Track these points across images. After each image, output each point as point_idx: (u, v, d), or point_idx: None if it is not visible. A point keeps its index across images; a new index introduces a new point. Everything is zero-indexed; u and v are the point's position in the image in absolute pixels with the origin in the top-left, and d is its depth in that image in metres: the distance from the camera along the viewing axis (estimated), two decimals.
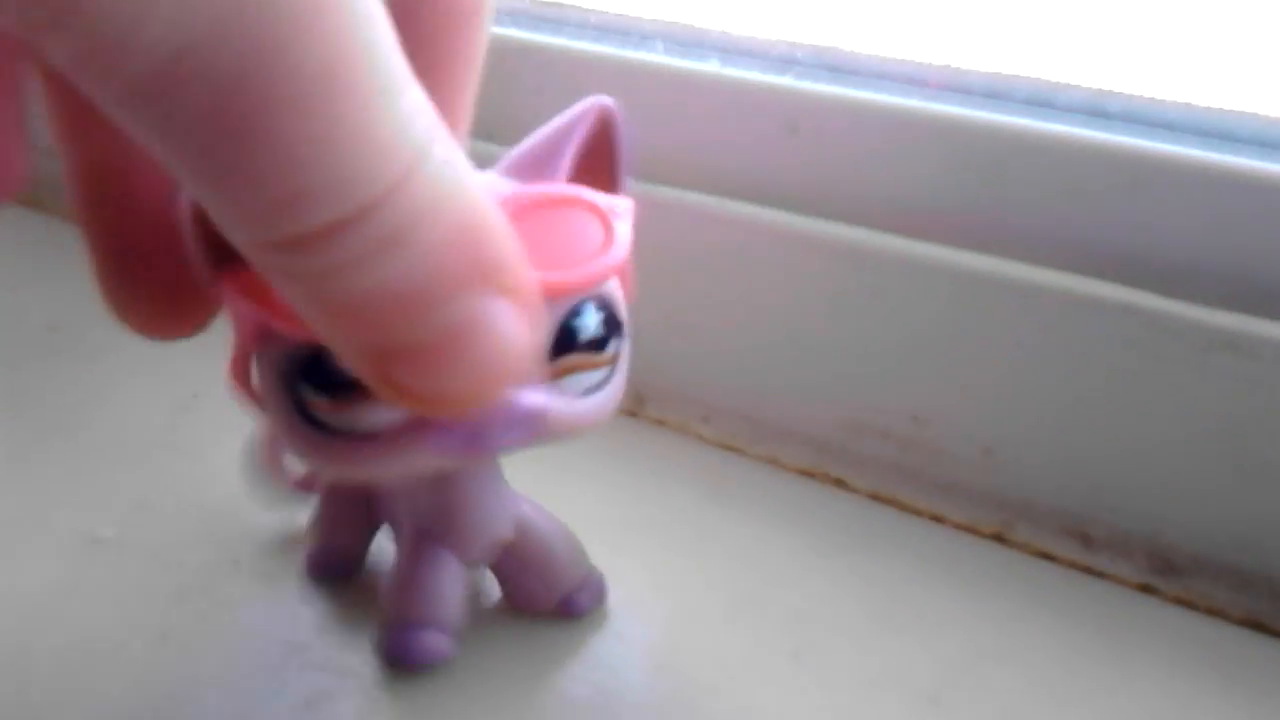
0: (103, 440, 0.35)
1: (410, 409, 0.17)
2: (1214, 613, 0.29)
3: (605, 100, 0.23)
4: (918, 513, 0.33)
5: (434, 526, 0.26)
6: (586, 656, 0.27)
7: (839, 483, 0.34)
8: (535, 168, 0.22)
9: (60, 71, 0.13)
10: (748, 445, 0.35)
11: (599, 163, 0.23)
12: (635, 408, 0.36)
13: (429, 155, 0.15)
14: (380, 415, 0.20)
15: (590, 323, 0.21)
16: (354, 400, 0.20)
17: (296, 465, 0.29)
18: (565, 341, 0.21)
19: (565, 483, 0.29)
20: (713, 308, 0.35)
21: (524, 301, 0.16)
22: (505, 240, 0.16)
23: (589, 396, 0.22)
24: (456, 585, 0.27)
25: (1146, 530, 0.30)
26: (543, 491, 0.28)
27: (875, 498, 0.33)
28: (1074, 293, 0.30)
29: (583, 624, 0.28)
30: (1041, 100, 0.32)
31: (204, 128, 0.13)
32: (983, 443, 0.32)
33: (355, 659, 0.27)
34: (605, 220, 0.21)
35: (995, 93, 0.32)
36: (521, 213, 0.20)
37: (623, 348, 0.23)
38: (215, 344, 0.40)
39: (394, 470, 0.21)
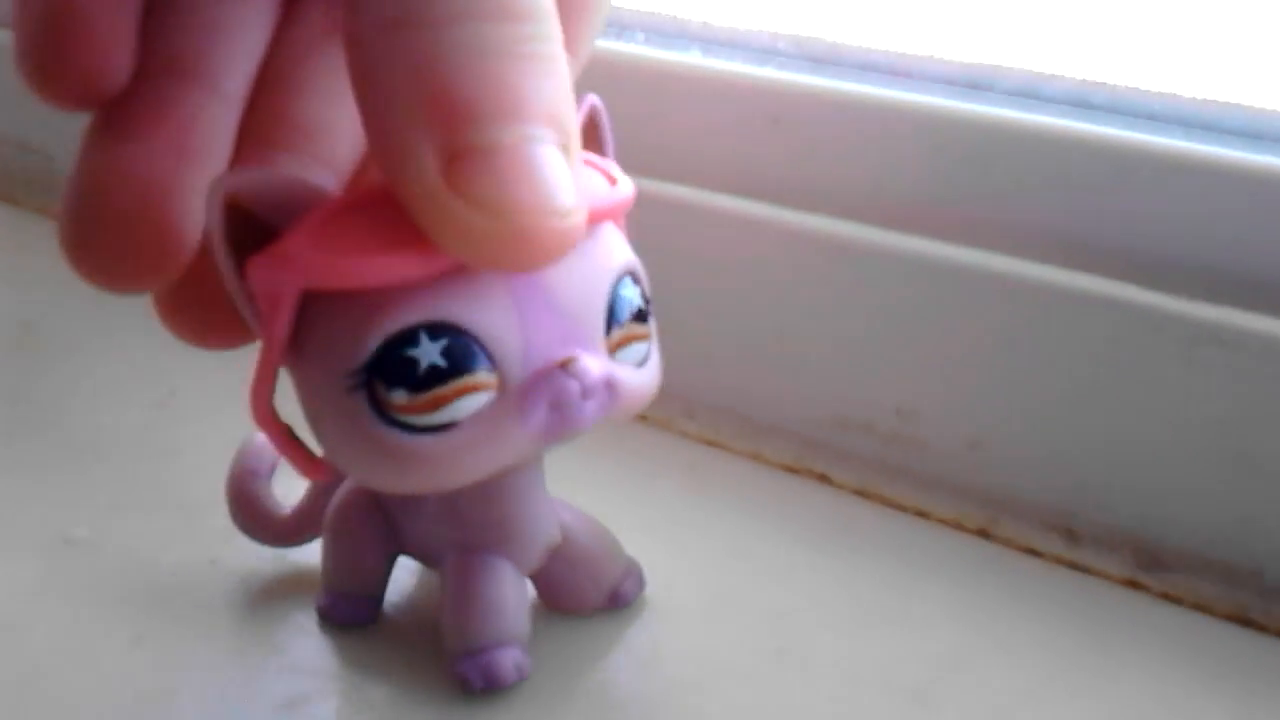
0: (77, 438, 0.35)
1: (466, 237, 0.17)
2: (1200, 608, 0.29)
3: (593, 98, 0.23)
4: (902, 508, 0.33)
5: (485, 539, 0.25)
6: (569, 655, 0.27)
7: (823, 478, 0.34)
8: None
9: None
10: (731, 441, 0.35)
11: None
12: None
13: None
14: (467, 403, 0.20)
15: (633, 294, 0.22)
16: (438, 391, 0.20)
17: (277, 508, 0.29)
18: (617, 312, 0.21)
19: (548, 480, 0.28)
20: (694, 302, 0.34)
21: (578, 169, 0.18)
22: (574, 117, 0.18)
23: (641, 369, 0.22)
24: (521, 595, 0.26)
25: (1132, 525, 0.30)
26: None
27: (860, 493, 0.33)
28: (1059, 286, 0.29)
29: (561, 621, 0.28)
30: (1026, 91, 0.32)
31: None
32: (968, 437, 0.32)
33: (334, 661, 0.27)
34: (603, 171, 0.22)
35: (979, 84, 0.32)
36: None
37: (653, 324, 0.23)
38: None
39: (486, 464, 0.20)
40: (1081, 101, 0.31)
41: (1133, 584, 0.30)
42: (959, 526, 0.32)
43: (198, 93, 0.21)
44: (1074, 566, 0.31)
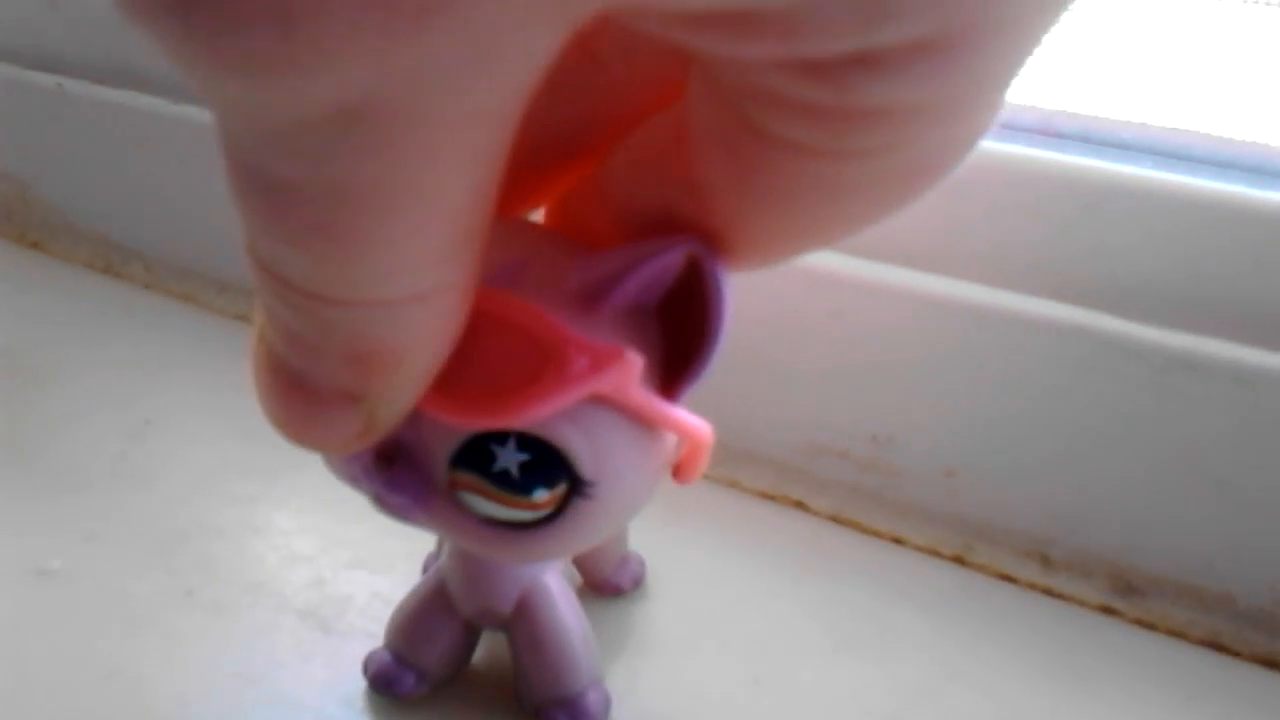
0: (51, 468, 0.34)
1: None
2: (1174, 633, 0.29)
3: (693, 244, 0.19)
4: (878, 535, 0.33)
5: (446, 573, 0.26)
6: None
7: (799, 505, 0.34)
8: (597, 291, 0.19)
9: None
10: (707, 468, 0.35)
11: (689, 318, 0.20)
12: None
13: (426, 302, 0.16)
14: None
15: (504, 456, 0.19)
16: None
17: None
18: (467, 458, 0.19)
19: None
20: None
21: (370, 430, 0.18)
22: (396, 387, 0.17)
23: (489, 526, 0.20)
24: (447, 634, 0.26)
25: (1107, 552, 0.30)
26: None
27: (836, 520, 0.33)
28: (1031, 314, 0.30)
29: None
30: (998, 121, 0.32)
31: None
32: (943, 464, 0.32)
33: (310, 692, 0.26)
34: (551, 354, 0.18)
35: None
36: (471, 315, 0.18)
37: (579, 505, 0.20)
38: (166, 371, 0.40)
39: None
40: (1051, 130, 0.31)
41: (1108, 610, 0.30)
42: (935, 553, 0.32)
43: None
44: (1049, 593, 0.31)
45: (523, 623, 0.25)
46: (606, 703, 0.26)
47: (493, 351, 0.18)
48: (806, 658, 0.28)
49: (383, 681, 0.26)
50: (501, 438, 0.19)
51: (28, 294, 0.45)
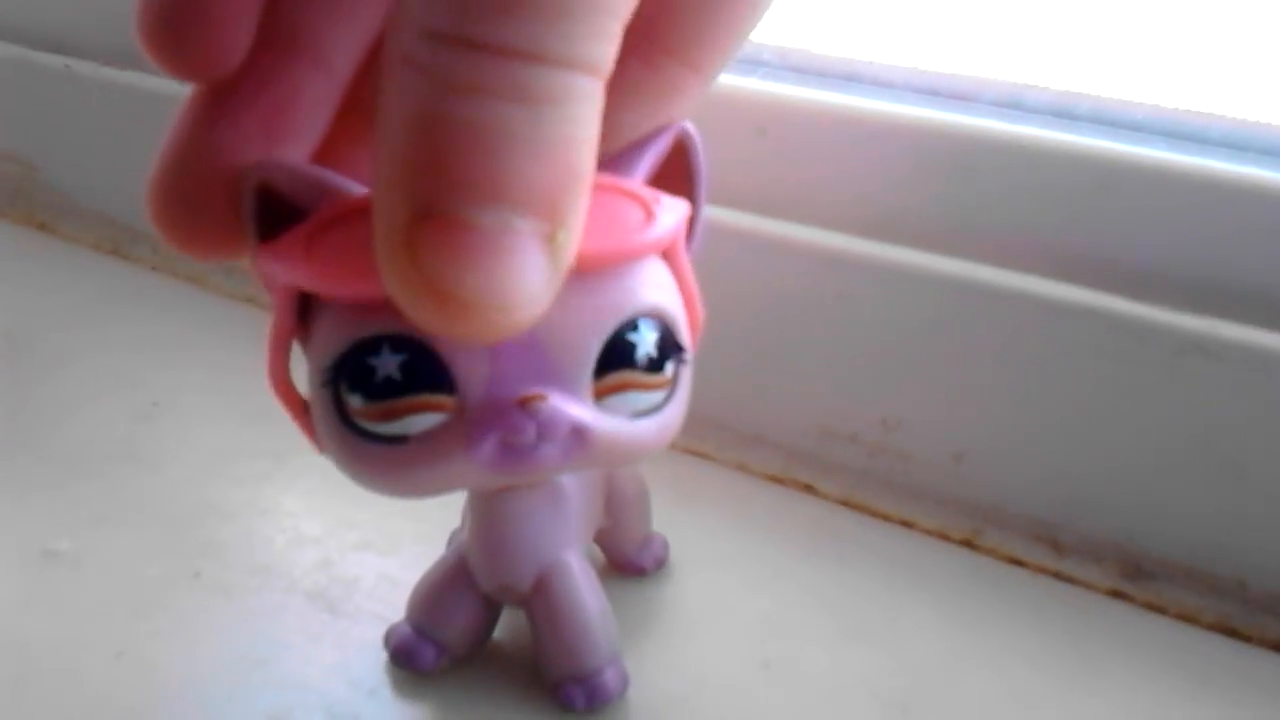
0: (58, 450, 0.34)
1: (416, 313, 0.17)
2: (1184, 618, 0.29)
3: (685, 126, 0.22)
4: (888, 519, 0.33)
5: (465, 547, 0.26)
6: None
7: (809, 489, 0.34)
8: (625, 166, 0.22)
9: None
10: (716, 451, 0.35)
11: (672, 188, 0.22)
12: None
13: (596, 73, 0.16)
14: (418, 421, 0.20)
15: (645, 338, 0.20)
16: (391, 403, 0.19)
17: None
18: (617, 356, 0.20)
19: None
20: None
21: (559, 261, 0.17)
22: (580, 204, 0.17)
23: (639, 420, 0.21)
24: (467, 608, 0.26)
25: (1117, 535, 0.30)
26: None
27: (845, 504, 0.33)
28: (1043, 296, 0.29)
29: None
30: (1010, 102, 0.32)
31: None
32: (953, 448, 0.32)
33: (317, 674, 0.26)
34: (645, 205, 0.20)
35: (963, 95, 0.32)
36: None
37: (683, 373, 0.21)
38: (174, 354, 0.40)
39: (433, 484, 0.20)
40: (1065, 112, 0.31)
41: (1118, 594, 0.30)
42: (944, 537, 0.32)
43: (302, 69, 0.21)
44: (1059, 577, 0.31)
45: (542, 600, 0.25)
46: (624, 681, 0.26)
47: (593, 214, 0.18)
48: (815, 641, 0.28)
49: (404, 655, 0.26)
50: (633, 325, 0.20)
51: (35, 276, 0.45)
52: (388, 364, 0.19)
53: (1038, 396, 0.30)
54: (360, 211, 0.19)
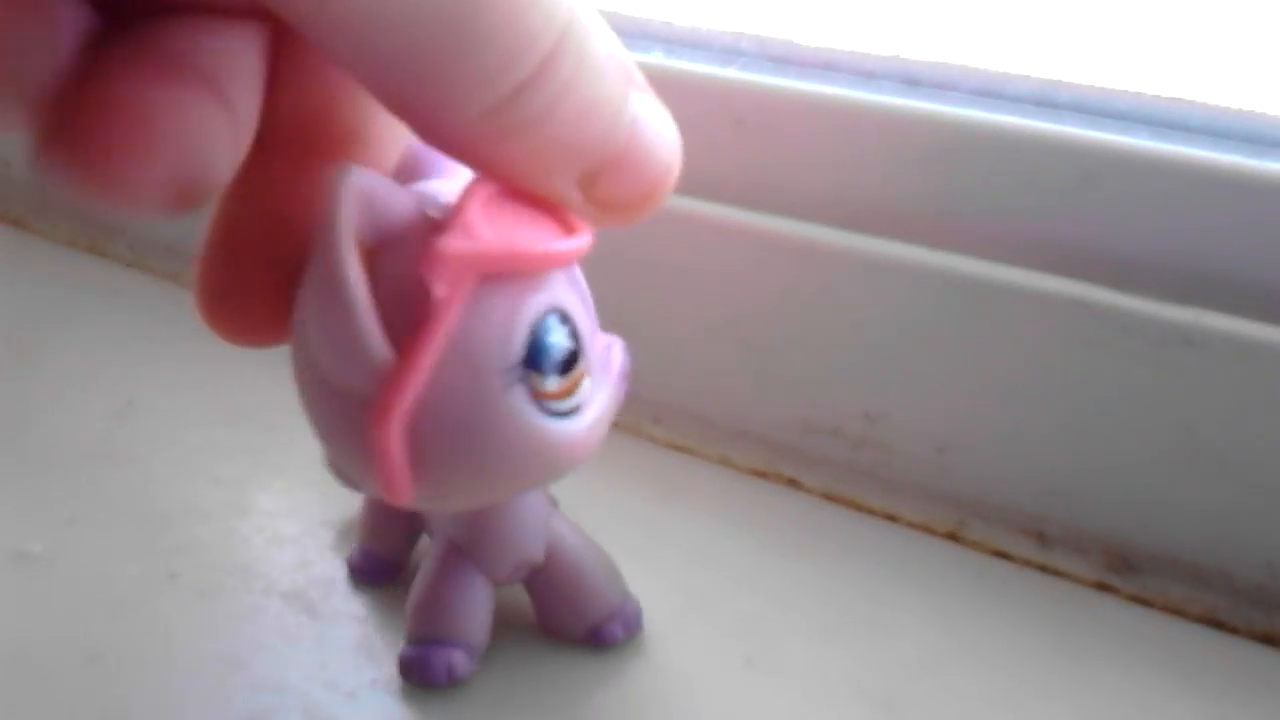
0: (32, 450, 0.34)
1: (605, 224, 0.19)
2: (1171, 610, 0.29)
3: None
4: (872, 512, 0.32)
5: (466, 542, 0.26)
6: (533, 662, 0.27)
7: (792, 483, 0.33)
8: None
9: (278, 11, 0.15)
10: (699, 446, 0.35)
11: None
12: None
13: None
14: (585, 385, 0.19)
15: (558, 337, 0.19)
16: (575, 373, 0.19)
17: None
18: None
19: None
20: (661, 306, 0.34)
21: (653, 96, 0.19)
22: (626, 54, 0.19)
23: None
24: (482, 604, 0.26)
25: (1103, 528, 0.30)
26: None
27: (829, 498, 0.33)
28: (1026, 287, 0.29)
29: (530, 628, 0.27)
30: (990, 91, 0.31)
31: (426, 25, 0.15)
32: (936, 441, 0.31)
33: (296, 675, 0.26)
34: (562, 216, 0.19)
35: (944, 84, 0.32)
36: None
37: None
38: (150, 351, 0.39)
39: (597, 447, 0.20)
40: (1046, 101, 0.31)
41: (1103, 587, 0.30)
42: (928, 530, 0.32)
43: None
44: (1044, 569, 0.30)
45: (556, 560, 0.27)
46: (640, 608, 0.28)
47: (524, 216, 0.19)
48: (799, 636, 0.28)
49: (442, 672, 0.26)
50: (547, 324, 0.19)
51: (9, 272, 0.45)
52: (562, 337, 0.19)
53: (1021, 388, 0.30)
54: (486, 194, 0.18)
